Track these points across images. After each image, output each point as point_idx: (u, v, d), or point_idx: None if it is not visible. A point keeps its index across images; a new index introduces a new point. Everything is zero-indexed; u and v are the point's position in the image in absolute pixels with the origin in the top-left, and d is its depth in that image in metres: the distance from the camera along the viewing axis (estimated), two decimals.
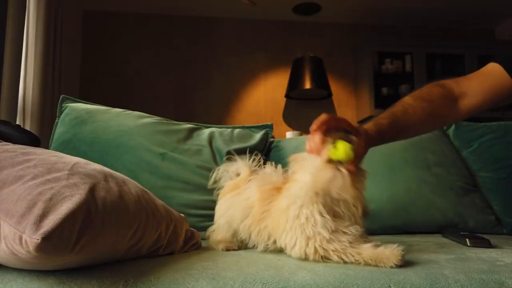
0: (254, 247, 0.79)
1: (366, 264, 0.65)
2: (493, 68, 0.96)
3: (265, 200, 0.75)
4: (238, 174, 0.88)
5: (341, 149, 0.71)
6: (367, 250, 0.66)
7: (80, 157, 0.69)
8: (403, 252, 0.65)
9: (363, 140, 0.78)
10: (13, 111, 2.09)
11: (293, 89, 3.64)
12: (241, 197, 0.81)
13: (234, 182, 0.86)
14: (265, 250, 0.76)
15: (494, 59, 0.97)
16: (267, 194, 0.76)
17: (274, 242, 0.74)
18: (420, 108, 0.90)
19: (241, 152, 0.97)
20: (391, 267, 0.63)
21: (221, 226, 0.84)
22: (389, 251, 0.65)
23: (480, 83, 0.96)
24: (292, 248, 0.69)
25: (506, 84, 0.93)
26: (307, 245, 0.67)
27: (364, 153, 0.81)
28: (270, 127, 1.34)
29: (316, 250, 0.67)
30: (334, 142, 0.72)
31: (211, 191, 0.92)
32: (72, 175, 0.56)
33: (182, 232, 0.78)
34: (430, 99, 0.92)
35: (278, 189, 0.76)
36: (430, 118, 0.92)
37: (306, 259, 0.67)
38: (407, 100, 0.92)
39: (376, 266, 0.64)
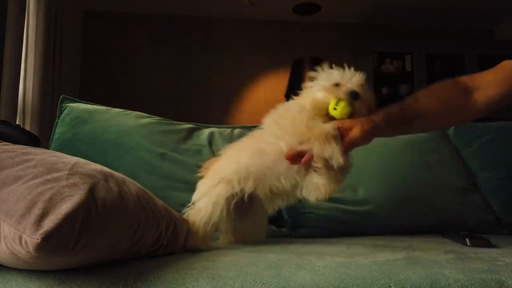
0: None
1: None
2: (507, 62, 0.93)
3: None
4: None
5: (340, 109, 0.77)
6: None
7: (80, 157, 0.69)
8: None
9: (367, 123, 0.78)
10: (13, 111, 2.09)
11: (293, 89, 3.63)
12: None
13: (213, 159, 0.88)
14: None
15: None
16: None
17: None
18: (434, 97, 0.86)
19: None
20: None
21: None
22: None
23: (494, 74, 0.92)
24: None
25: None
26: None
27: (365, 139, 0.79)
28: None
29: None
30: (337, 101, 0.78)
31: None
32: (72, 175, 0.56)
33: (182, 232, 0.78)
34: (443, 89, 0.89)
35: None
36: (447, 108, 0.87)
37: None
38: (419, 91, 0.88)
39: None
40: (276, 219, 1.21)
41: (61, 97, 1.26)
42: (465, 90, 0.90)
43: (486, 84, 0.91)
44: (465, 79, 0.93)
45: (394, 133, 0.87)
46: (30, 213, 0.49)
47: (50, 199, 0.50)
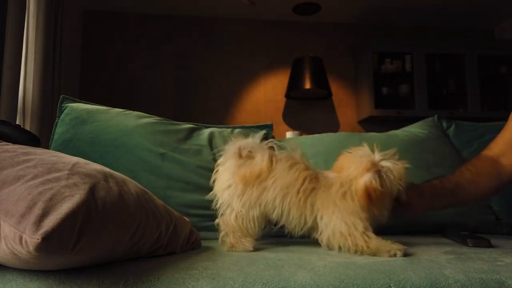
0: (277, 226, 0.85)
1: (370, 254, 0.74)
2: None
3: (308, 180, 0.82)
4: (250, 152, 0.86)
5: None
6: (374, 240, 0.75)
7: (80, 157, 0.69)
8: (406, 247, 0.74)
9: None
10: (13, 111, 2.09)
11: (293, 89, 3.64)
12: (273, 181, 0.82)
13: (260, 169, 0.83)
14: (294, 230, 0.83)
15: None
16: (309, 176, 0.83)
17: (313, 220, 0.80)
18: (466, 170, 0.98)
19: None
20: (394, 255, 0.72)
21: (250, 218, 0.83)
22: (393, 244, 0.75)
23: (506, 139, 1.00)
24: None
25: None
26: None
27: (416, 209, 0.93)
28: (270, 127, 1.34)
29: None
30: None
31: (211, 191, 0.91)
32: (72, 175, 0.56)
33: (182, 232, 0.78)
34: (472, 164, 1.00)
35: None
36: (479, 176, 0.97)
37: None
38: (454, 173, 0.99)
39: (378, 256, 0.73)
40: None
41: (61, 97, 1.26)
42: (491, 160, 0.99)
43: (504, 151, 1.00)
44: (486, 152, 1.02)
45: (433, 206, 0.97)
46: (30, 213, 0.49)
47: (50, 199, 0.50)
